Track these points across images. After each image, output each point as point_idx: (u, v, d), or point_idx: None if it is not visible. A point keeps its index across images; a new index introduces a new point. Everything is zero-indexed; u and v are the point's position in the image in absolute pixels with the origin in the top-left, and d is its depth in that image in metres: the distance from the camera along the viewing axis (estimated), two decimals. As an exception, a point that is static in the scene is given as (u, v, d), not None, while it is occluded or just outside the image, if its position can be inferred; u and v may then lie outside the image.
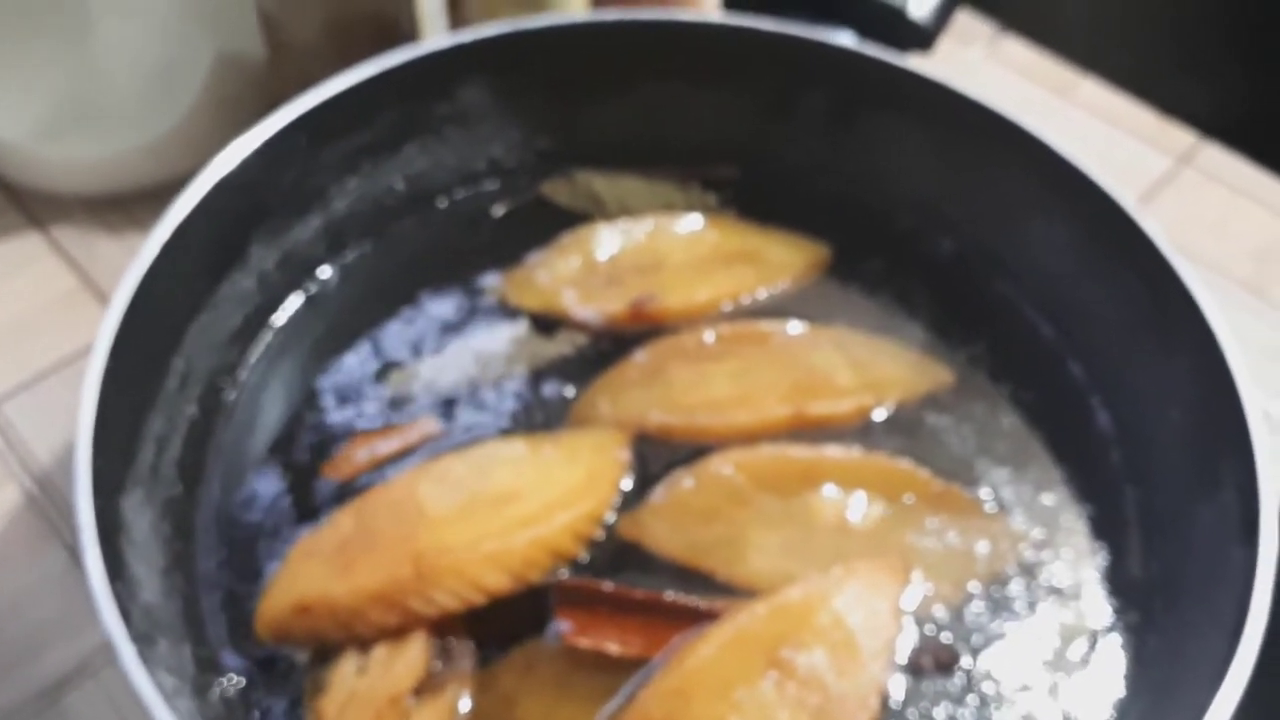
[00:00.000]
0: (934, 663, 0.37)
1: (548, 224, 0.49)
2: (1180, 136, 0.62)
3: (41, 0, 0.49)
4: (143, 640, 0.31)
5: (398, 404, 0.43)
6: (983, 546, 0.39)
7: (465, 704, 0.35)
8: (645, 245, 0.48)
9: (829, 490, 0.40)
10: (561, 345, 0.45)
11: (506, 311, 0.46)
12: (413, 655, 0.35)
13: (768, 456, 0.40)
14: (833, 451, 0.41)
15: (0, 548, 0.44)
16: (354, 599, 0.35)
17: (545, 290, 0.46)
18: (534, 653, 0.36)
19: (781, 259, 0.48)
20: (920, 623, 0.37)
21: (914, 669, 0.36)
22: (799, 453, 0.41)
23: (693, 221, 0.49)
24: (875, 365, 0.44)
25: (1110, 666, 0.37)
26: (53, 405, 0.49)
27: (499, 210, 0.50)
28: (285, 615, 0.36)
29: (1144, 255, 0.42)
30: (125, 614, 0.30)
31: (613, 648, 0.35)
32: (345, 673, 0.35)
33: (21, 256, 0.55)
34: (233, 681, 0.35)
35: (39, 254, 0.55)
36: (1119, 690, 0.37)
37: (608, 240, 0.48)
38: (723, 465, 0.40)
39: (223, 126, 0.57)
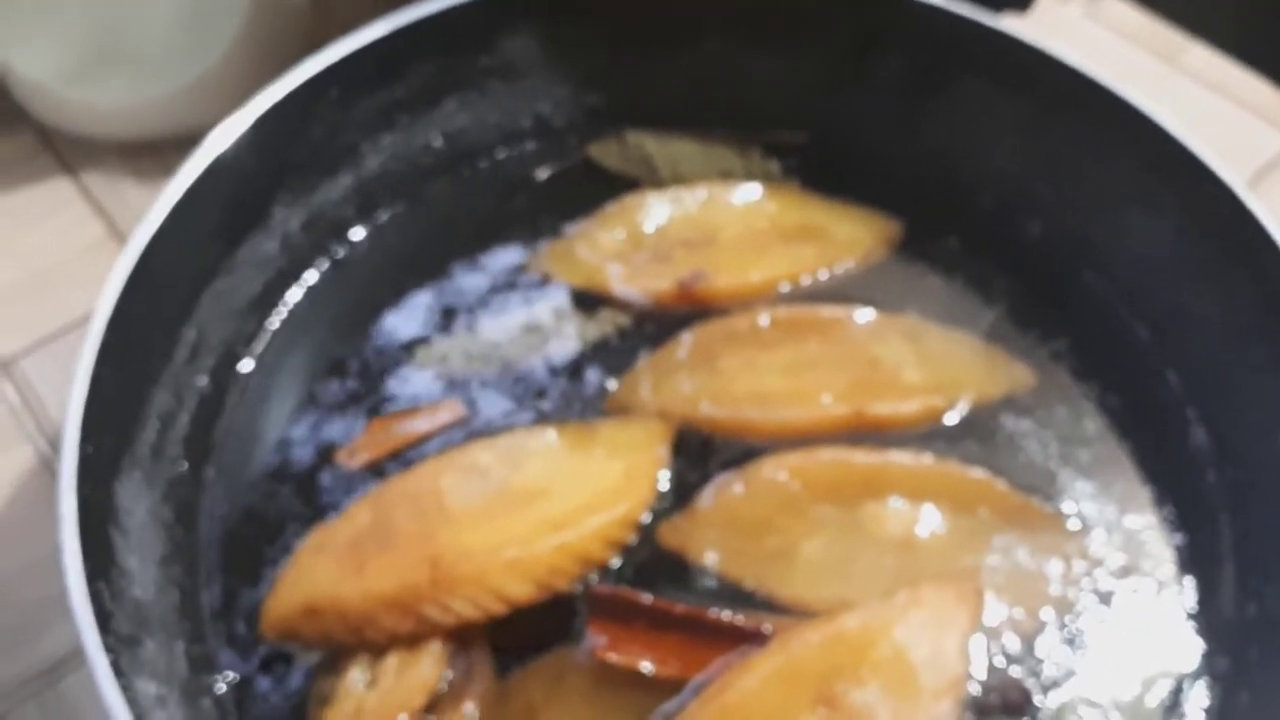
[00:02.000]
0: (1003, 702, 0.33)
1: (594, 189, 0.45)
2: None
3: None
4: (126, 643, 0.28)
5: (424, 383, 0.39)
6: (1059, 569, 0.35)
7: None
8: (697, 217, 0.44)
9: (894, 501, 0.36)
10: (603, 325, 0.42)
11: (546, 285, 0.43)
12: (425, 668, 0.32)
13: (827, 462, 0.37)
14: (899, 458, 0.37)
15: (13, 513, 0.42)
16: (366, 603, 0.33)
17: (587, 265, 0.43)
18: (561, 663, 0.33)
19: (847, 235, 0.44)
20: (989, 654, 0.34)
21: (981, 709, 0.33)
22: (862, 458, 0.37)
23: (750, 191, 0.45)
24: (947, 361, 0.40)
25: (1195, 718, 0.33)
26: (72, 363, 0.46)
27: (543, 173, 0.46)
28: (292, 615, 0.33)
29: (1257, 249, 0.38)
30: (106, 617, 0.28)
31: (648, 666, 0.32)
32: (352, 683, 0.32)
33: (51, 201, 0.53)
34: (229, 681, 0.33)
35: (69, 199, 0.53)
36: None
37: (656, 210, 0.44)
38: (777, 470, 0.36)
39: (260, 72, 0.54)
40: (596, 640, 0.32)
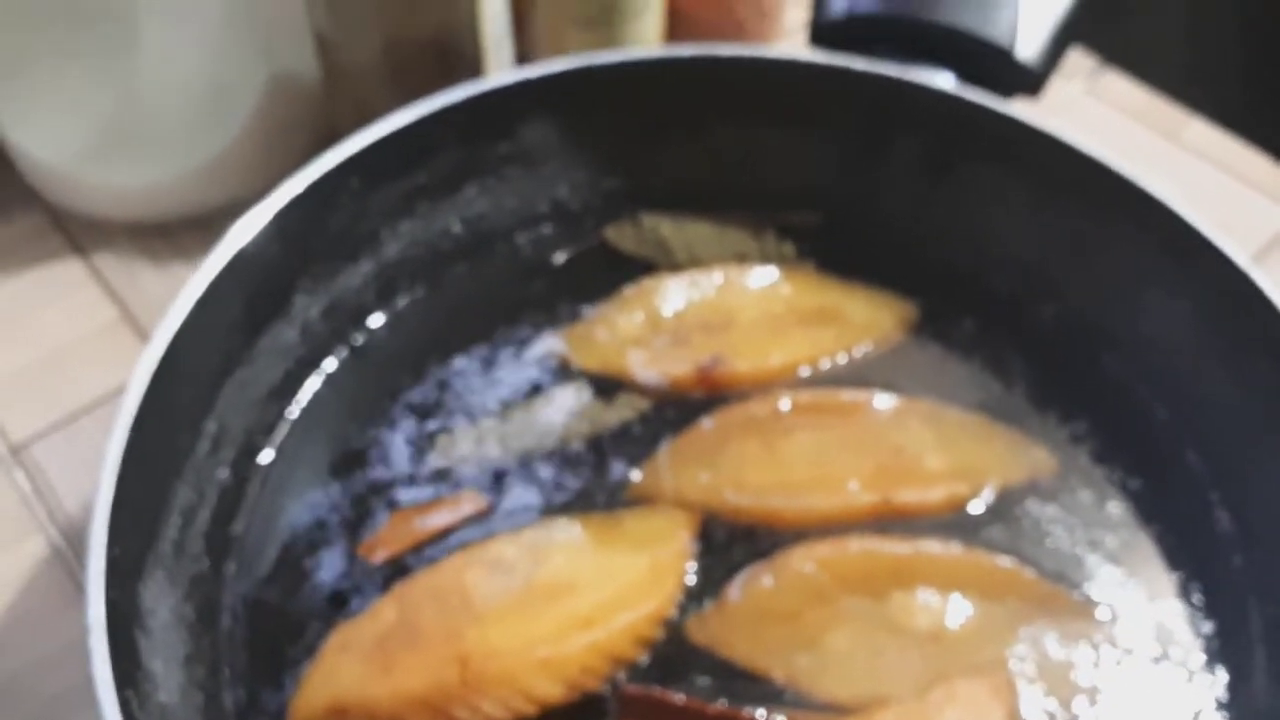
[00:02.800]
0: None
1: (611, 272, 0.45)
2: (1296, 186, 0.57)
3: (87, 18, 0.47)
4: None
5: (444, 474, 0.39)
6: (1089, 658, 0.35)
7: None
8: (714, 300, 0.45)
9: (923, 592, 0.36)
10: (622, 410, 0.41)
11: (565, 372, 0.43)
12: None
13: (855, 553, 0.37)
14: (928, 547, 0.37)
15: (24, 606, 0.42)
16: (394, 703, 0.32)
17: (607, 349, 0.43)
18: None
19: (864, 318, 0.44)
20: None
21: None
22: (890, 548, 0.37)
23: (767, 274, 0.45)
24: (970, 447, 0.40)
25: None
26: (85, 448, 0.46)
27: (560, 257, 0.47)
28: (319, 716, 0.33)
29: (1268, 326, 0.38)
30: (135, 727, 0.27)
31: None
32: None
33: (62, 284, 0.52)
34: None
35: (80, 282, 0.52)
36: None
37: (674, 294, 0.45)
38: (805, 562, 0.36)
39: (273, 153, 0.54)
40: None
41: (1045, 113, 0.43)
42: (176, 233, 0.53)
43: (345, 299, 0.43)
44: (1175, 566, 0.38)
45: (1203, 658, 0.36)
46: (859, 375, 0.43)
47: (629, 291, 0.45)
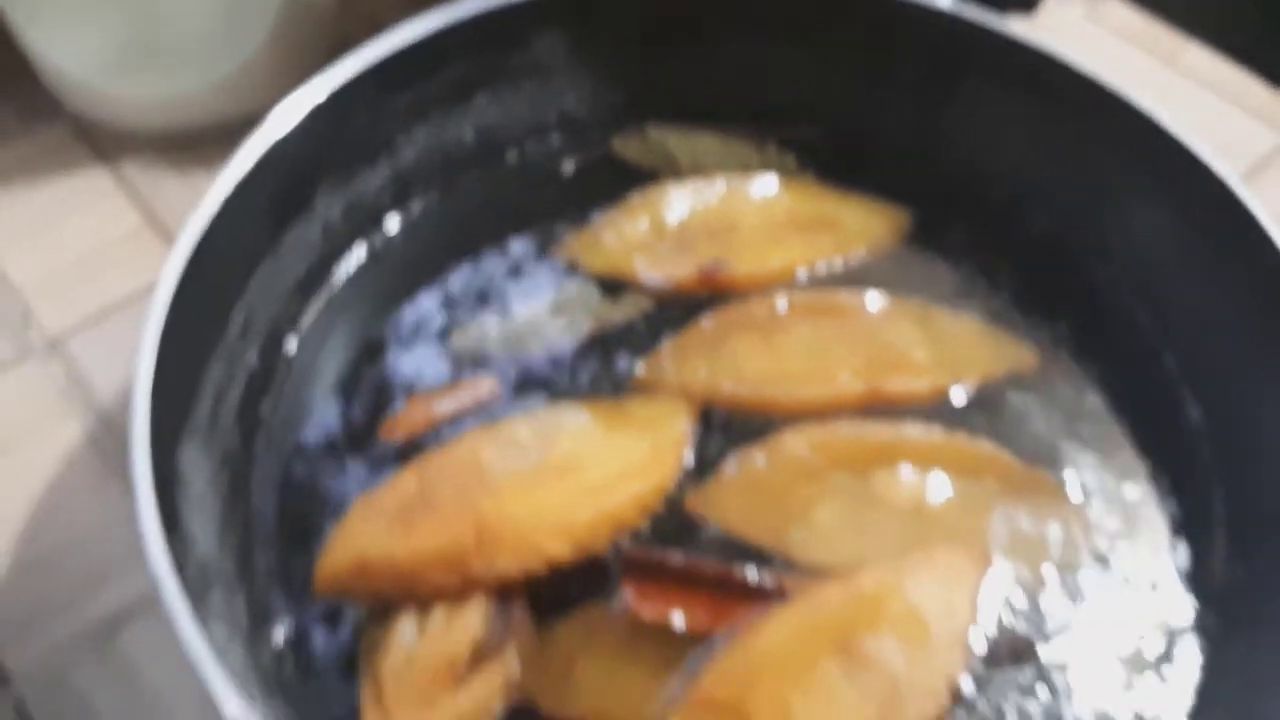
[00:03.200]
0: (1009, 653, 0.35)
1: (618, 181, 0.47)
2: (1288, 109, 0.59)
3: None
4: (197, 593, 0.31)
5: (459, 362, 0.42)
6: (1059, 532, 0.38)
7: (519, 668, 0.34)
8: (717, 208, 0.46)
9: (906, 471, 0.38)
10: (627, 309, 0.44)
11: (573, 272, 0.45)
12: (471, 619, 0.34)
13: (845, 435, 0.39)
14: (912, 431, 0.39)
15: (63, 484, 0.44)
16: (415, 560, 0.35)
17: (612, 252, 0.45)
18: (595, 617, 0.35)
19: (860, 226, 0.46)
20: (997, 610, 0.36)
21: (987, 659, 0.35)
22: (877, 432, 0.39)
23: (767, 184, 0.47)
24: (955, 342, 0.42)
25: (1185, 671, 0.36)
26: (116, 343, 0.48)
27: (569, 166, 0.48)
28: (345, 573, 0.35)
29: (1251, 240, 0.40)
30: (179, 567, 0.30)
31: (678, 621, 0.34)
32: (403, 633, 0.34)
33: (89, 193, 0.54)
34: (287, 634, 0.35)
35: (106, 191, 0.54)
36: (1190, 699, 0.35)
37: (678, 201, 0.46)
38: (797, 443, 0.39)
39: (291, 66, 0.56)
40: (629, 597, 0.35)
41: (1044, 35, 0.45)
42: (198, 143, 0.55)
43: (364, 200, 0.45)
44: (1146, 455, 0.40)
45: (1167, 535, 0.38)
46: (854, 278, 0.45)
47: (635, 199, 0.47)
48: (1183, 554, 0.38)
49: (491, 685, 0.33)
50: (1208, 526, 0.39)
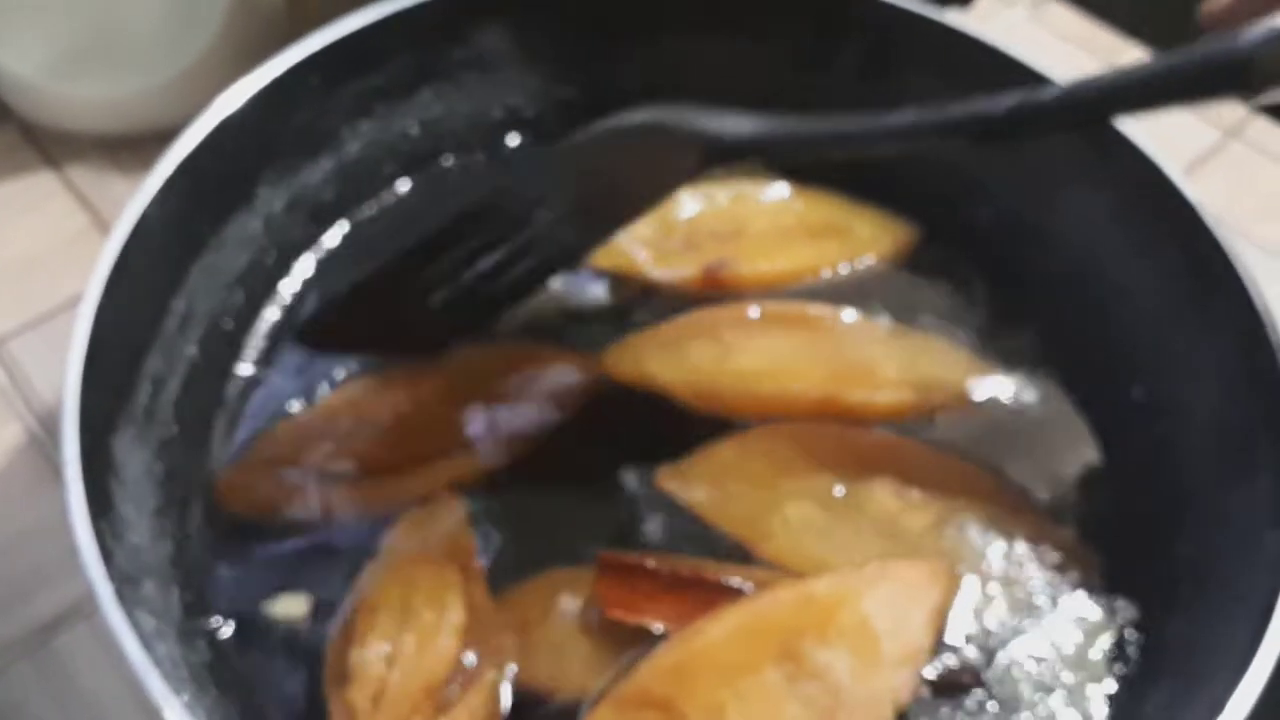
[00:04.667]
0: (957, 680, 0.34)
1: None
2: (1228, 109, 0.60)
3: (56, -69, 0.48)
4: (126, 581, 0.30)
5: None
6: (1024, 547, 0.37)
7: (506, 688, 0.34)
8: (727, 210, 0.46)
9: (888, 482, 0.38)
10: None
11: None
12: (443, 644, 0.33)
13: (826, 434, 0.39)
14: (889, 440, 0.39)
15: (2, 488, 0.44)
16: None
17: (619, 249, 0.44)
18: (554, 582, 0.35)
19: (870, 235, 0.46)
20: (953, 633, 0.35)
21: (937, 684, 0.34)
22: (857, 436, 0.39)
23: (780, 189, 0.47)
24: (924, 363, 0.42)
25: (1131, 652, 0.36)
26: (58, 344, 0.46)
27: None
28: (250, 472, 0.37)
29: (1188, 227, 0.40)
30: (107, 553, 0.29)
31: (653, 624, 0.34)
32: (372, 662, 0.33)
33: (35, 194, 0.54)
34: (220, 628, 0.34)
35: (52, 192, 0.54)
36: (1138, 678, 0.35)
37: (688, 204, 0.46)
38: (777, 435, 0.38)
39: (239, 68, 0.55)
40: (603, 600, 0.34)
41: (988, 33, 0.45)
42: (145, 145, 0.54)
43: (307, 194, 0.44)
44: (1098, 443, 0.41)
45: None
46: (856, 289, 0.45)
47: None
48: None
49: (476, 712, 0.32)
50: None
